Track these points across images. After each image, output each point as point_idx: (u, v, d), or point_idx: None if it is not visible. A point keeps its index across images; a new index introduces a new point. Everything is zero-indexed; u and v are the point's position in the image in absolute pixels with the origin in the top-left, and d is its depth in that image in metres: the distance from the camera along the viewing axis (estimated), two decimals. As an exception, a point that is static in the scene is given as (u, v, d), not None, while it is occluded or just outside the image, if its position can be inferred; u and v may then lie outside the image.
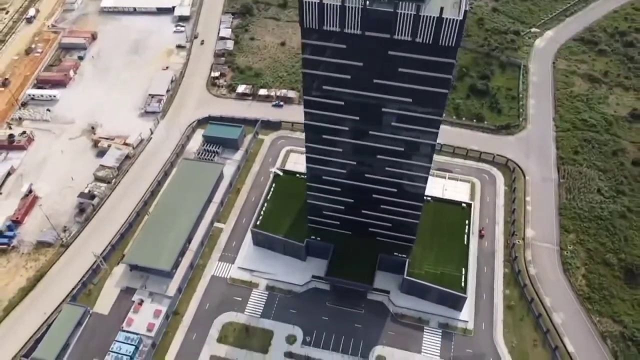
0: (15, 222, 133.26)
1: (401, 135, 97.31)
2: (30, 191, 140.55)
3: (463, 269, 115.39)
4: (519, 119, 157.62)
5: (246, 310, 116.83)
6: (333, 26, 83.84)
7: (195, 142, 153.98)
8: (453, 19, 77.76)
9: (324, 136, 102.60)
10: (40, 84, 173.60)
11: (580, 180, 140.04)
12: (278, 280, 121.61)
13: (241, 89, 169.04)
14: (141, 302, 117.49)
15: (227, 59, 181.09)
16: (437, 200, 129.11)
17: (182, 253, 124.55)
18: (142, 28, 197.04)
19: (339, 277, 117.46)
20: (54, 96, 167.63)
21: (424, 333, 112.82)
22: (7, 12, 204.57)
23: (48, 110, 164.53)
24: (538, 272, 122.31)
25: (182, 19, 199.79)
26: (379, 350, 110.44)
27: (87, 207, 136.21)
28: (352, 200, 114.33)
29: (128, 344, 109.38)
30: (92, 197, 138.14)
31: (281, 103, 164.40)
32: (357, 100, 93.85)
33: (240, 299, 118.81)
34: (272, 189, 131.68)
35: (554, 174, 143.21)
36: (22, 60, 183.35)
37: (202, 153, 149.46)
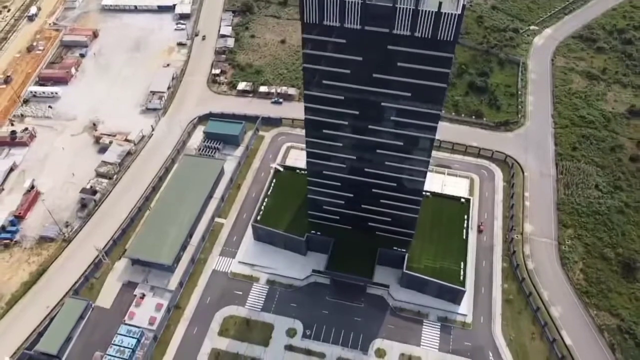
0: (18, 218, 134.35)
1: (400, 129, 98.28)
2: (32, 187, 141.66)
3: (462, 263, 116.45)
4: (517, 115, 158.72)
5: (247, 304, 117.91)
6: (333, 21, 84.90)
7: (196, 139, 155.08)
8: (451, 14, 78.86)
9: (324, 131, 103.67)
10: (42, 81, 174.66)
11: (579, 176, 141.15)
12: (278, 274, 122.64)
13: (242, 86, 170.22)
14: (143, 296, 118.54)
15: (227, 56, 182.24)
16: (436, 195, 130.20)
17: (183, 248, 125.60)
18: (143, 26, 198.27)
19: (339, 271, 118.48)
20: (56, 93, 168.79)
21: (423, 326, 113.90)
22: (8, 10, 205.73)
23: (50, 107, 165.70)
24: (536, 267, 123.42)
25: (183, 16, 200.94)
26: (378, 343, 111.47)
27: (89, 203, 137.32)
28: (352, 195, 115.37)
29: (130, 337, 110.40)
30: (94, 192, 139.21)
31: (280, 100, 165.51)
32: (356, 95, 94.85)
33: (241, 293, 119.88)
34: (272, 185, 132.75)
35: (552, 170, 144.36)
36: (24, 58, 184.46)
37: (203, 149, 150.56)
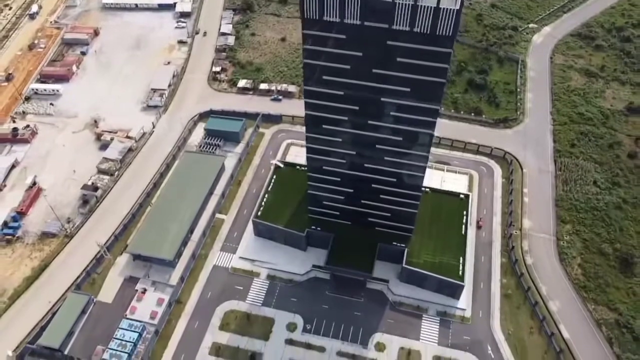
0: (20, 214, 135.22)
1: (400, 124, 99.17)
2: (34, 183, 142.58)
3: (461, 258, 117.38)
4: (516, 112, 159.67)
5: (247, 298, 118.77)
6: (333, 17, 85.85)
7: (197, 136, 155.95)
8: (450, 9, 79.70)
9: (324, 126, 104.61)
10: (44, 78, 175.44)
11: (577, 173, 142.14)
12: (279, 269, 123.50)
13: (242, 83, 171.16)
14: (144, 291, 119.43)
15: (228, 54, 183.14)
16: (436, 191, 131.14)
17: (184, 243, 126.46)
18: (144, 24, 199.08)
19: (339, 266, 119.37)
20: (57, 90, 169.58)
21: (423, 321, 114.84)
22: (10, 8, 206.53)
23: (51, 104, 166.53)
24: (535, 262, 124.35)
25: (184, 14, 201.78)
26: (378, 337, 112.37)
27: (90, 199, 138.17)
28: (352, 190, 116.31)
29: (132, 331, 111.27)
30: (96, 189, 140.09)
31: (280, 97, 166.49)
32: (356, 90, 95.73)
33: (241, 288, 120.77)
34: (272, 181, 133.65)
35: (550, 166, 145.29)
36: (26, 56, 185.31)
37: (203, 146, 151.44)
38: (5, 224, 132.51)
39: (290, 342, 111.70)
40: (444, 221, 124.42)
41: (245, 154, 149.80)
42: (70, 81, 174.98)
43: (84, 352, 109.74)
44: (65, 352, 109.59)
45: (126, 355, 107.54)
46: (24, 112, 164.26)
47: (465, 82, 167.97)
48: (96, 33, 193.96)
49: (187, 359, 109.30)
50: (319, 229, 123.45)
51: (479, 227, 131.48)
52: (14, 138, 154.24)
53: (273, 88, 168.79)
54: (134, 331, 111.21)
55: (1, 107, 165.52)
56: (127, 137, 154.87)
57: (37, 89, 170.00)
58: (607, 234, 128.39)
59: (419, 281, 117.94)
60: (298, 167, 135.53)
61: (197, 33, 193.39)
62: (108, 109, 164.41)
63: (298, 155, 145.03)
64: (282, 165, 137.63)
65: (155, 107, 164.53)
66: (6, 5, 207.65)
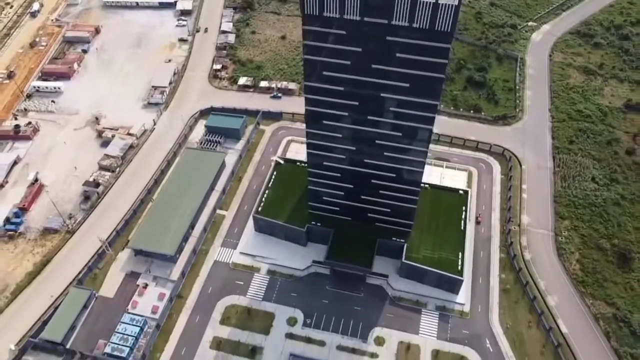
0: (22, 210, 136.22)
1: (399, 120, 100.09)
2: (36, 179, 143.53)
3: (460, 253, 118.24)
4: (515, 109, 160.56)
5: (248, 293, 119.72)
6: (333, 12, 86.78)
7: (198, 133, 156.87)
8: (448, 4, 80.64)
9: (324, 122, 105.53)
10: (45, 76, 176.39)
11: (575, 169, 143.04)
12: (279, 264, 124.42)
13: (242, 81, 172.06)
14: (146, 286, 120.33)
15: (228, 52, 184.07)
16: (435, 187, 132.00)
17: (185, 239, 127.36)
18: (145, 22, 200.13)
19: (338, 261, 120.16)
20: (59, 88, 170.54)
21: (422, 315, 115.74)
22: (11, 7, 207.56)
23: (53, 101, 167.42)
24: (533, 257, 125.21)
25: (184, 13, 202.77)
26: (377, 331, 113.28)
27: (92, 195, 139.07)
28: (352, 186, 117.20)
29: (133, 325, 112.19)
30: (97, 185, 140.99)
31: (279, 94, 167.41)
32: (356, 86, 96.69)
33: (242, 283, 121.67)
34: (273, 177, 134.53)
35: (549, 163, 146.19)
36: (27, 54, 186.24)
37: (204, 143, 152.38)
38: (7, 219, 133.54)
39: (290, 336, 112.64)
40: (443, 217, 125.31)
41: (245, 151, 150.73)
42: (72, 79, 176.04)
43: (86, 346, 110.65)
44: (68, 346, 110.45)
45: (128, 349, 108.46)
46: (25, 110, 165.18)
47: (464, 80, 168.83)
48: (97, 31, 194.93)
49: (188, 353, 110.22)
50: (319, 224, 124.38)
51: (478, 222, 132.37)
52: (16, 135, 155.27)
53: (273, 85, 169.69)
54: (136, 325, 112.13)
55: (3, 105, 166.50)
56: (128, 134, 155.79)
57: (38, 87, 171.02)
58: (605, 230, 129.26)
59: (418, 276, 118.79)
60: (298, 163, 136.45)
61: (197, 31, 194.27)
62: (109, 107, 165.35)
63: (298, 152, 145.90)
64: (282, 162, 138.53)
65: (156, 104, 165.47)
66: (7, 4, 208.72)
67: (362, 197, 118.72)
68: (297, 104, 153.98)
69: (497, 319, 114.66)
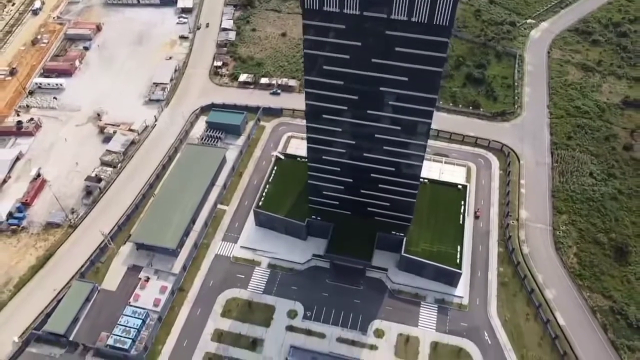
0: (25, 204, 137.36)
1: (398, 114, 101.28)
2: (38, 175, 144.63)
3: (458, 247, 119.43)
4: (514, 106, 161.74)
5: (249, 286, 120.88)
6: (333, 7, 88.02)
7: (199, 129, 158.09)
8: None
9: (325, 116, 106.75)
10: (47, 73, 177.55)
11: (573, 164, 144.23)
12: (280, 258, 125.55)
13: (243, 77, 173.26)
14: (147, 279, 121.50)
15: (229, 49, 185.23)
16: (434, 182, 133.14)
17: (186, 233, 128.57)
18: (146, 20, 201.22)
19: (338, 255, 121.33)
20: (60, 85, 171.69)
21: (421, 308, 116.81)
22: (13, 4, 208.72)
23: (55, 98, 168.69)
24: (531, 251, 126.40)
25: (185, 10, 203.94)
26: (377, 324, 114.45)
27: (94, 190, 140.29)
28: (352, 180, 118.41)
29: (135, 317, 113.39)
30: (99, 180, 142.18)
31: (278, 91, 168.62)
32: (356, 80, 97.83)
33: (243, 276, 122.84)
34: (273, 172, 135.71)
35: (547, 159, 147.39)
36: (29, 51, 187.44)
37: (205, 138, 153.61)
38: (10, 214, 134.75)
39: (290, 328, 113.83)
40: (442, 211, 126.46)
41: (246, 147, 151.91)
42: (73, 76, 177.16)
43: (89, 338, 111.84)
44: (70, 338, 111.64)
45: (130, 340, 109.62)
46: (27, 106, 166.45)
47: (463, 77, 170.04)
48: (98, 28, 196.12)
49: (190, 345, 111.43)
50: (319, 218, 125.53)
51: (476, 217, 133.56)
52: (19, 131, 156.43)
53: (274, 82, 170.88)
54: (138, 318, 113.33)
55: (5, 101, 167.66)
56: (130, 130, 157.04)
57: (40, 83, 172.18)
58: (603, 224, 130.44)
59: (417, 269, 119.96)
60: (298, 158, 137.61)
61: (198, 28, 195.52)
62: (111, 103, 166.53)
63: (298, 147, 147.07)
64: (282, 157, 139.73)
65: (158, 101, 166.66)
66: (9, 1, 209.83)
67: (362, 191, 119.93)
68: (297, 101, 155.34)
69: (496, 311, 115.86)
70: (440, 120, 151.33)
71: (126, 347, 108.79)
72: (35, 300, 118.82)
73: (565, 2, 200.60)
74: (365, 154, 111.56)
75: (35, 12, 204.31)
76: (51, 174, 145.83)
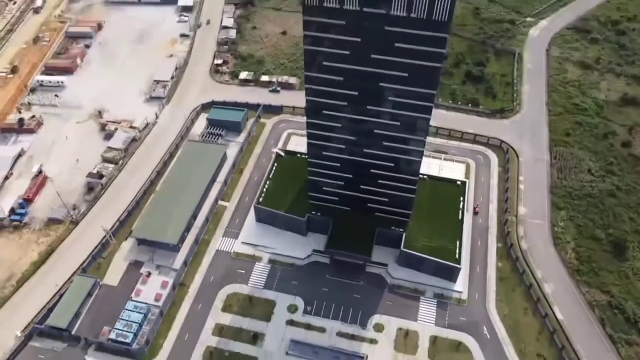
0: (27, 201, 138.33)
1: (398, 109, 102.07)
2: (40, 171, 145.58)
3: (457, 242, 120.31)
4: (513, 103, 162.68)
5: (249, 282, 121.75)
6: (333, 3, 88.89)
7: (200, 126, 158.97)
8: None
9: (324, 112, 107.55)
10: (48, 70, 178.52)
11: (572, 161, 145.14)
12: (280, 254, 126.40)
13: (243, 75, 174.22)
14: (149, 274, 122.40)
15: (229, 47, 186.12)
16: (433, 178, 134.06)
17: (187, 229, 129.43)
18: (147, 18, 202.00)
19: (338, 250, 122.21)
20: (62, 82, 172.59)
21: (420, 302, 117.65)
22: (14, 3, 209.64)
23: (56, 95, 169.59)
24: (530, 247, 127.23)
25: (186, 9, 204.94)
26: (376, 318, 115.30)
27: (95, 186, 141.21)
28: (351, 176, 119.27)
29: (137, 312, 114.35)
30: (101, 176, 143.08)
31: (278, 88, 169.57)
32: (355, 76, 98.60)
33: (243, 271, 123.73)
34: (274, 168, 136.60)
35: (546, 155, 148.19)
36: (30, 49, 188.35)
37: (206, 135, 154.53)
38: (12, 210, 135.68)
39: (291, 322, 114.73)
40: (441, 207, 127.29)
41: (246, 143, 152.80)
42: (75, 73, 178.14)
43: (91, 332, 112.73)
44: (73, 332, 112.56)
45: (132, 335, 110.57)
46: (29, 103, 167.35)
47: (463, 74, 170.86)
48: (100, 27, 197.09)
49: (191, 339, 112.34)
50: (319, 214, 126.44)
51: (475, 213, 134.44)
52: (20, 128, 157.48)
53: (274, 80, 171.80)
54: (139, 312, 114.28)
55: (7, 99, 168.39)
56: (131, 127, 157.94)
57: (42, 81, 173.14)
58: (601, 220, 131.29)
59: (416, 264, 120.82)
60: (298, 155, 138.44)
61: (199, 27, 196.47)
62: (112, 100, 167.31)
63: (298, 144, 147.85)
64: (282, 154, 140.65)
65: (159, 98, 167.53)
66: (11, 0, 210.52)
67: (362, 187, 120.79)
68: (297, 98, 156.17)
69: (494, 306, 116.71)
70: (440, 117, 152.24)
71: (128, 341, 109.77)
72: (37, 295, 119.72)
73: (564, 1, 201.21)
74: (365, 150, 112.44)
75: (36, 11, 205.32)
76: (53, 171, 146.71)
